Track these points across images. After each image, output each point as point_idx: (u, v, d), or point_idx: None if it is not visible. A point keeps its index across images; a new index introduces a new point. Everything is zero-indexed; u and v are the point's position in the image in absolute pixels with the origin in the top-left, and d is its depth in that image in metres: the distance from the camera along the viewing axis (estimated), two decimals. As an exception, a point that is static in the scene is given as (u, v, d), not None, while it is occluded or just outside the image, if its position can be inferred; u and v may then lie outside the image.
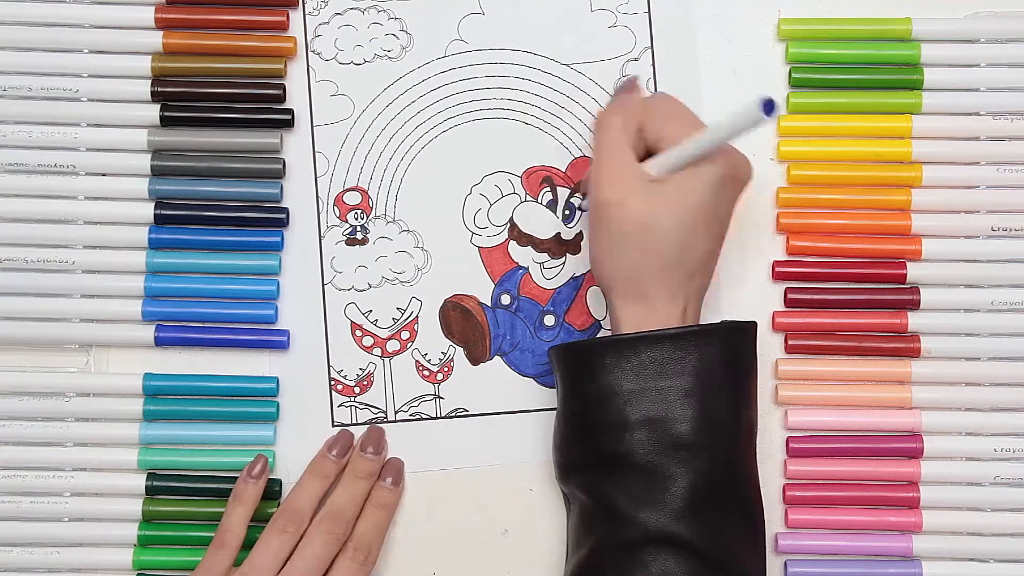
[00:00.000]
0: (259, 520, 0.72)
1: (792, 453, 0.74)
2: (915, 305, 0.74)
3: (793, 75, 0.76)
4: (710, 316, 0.74)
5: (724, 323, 0.67)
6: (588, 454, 0.66)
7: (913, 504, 0.73)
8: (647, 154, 0.68)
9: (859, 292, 0.75)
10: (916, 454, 0.73)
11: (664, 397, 0.64)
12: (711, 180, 0.65)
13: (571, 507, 0.70)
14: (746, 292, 0.76)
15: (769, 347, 0.75)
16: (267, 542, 0.68)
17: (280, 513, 0.70)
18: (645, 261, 0.65)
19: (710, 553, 0.63)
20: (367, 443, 0.73)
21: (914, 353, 0.74)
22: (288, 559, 0.68)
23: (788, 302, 0.75)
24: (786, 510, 0.74)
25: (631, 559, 0.63)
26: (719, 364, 0.65)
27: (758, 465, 0.67)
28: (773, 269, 0.75)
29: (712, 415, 0.64)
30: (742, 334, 0.67)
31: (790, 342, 0.75)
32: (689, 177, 0.65)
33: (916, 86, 0.75)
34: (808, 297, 0.75)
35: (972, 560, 0.73)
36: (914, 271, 0.74)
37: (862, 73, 0.76)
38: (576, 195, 0.76)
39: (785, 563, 0.73)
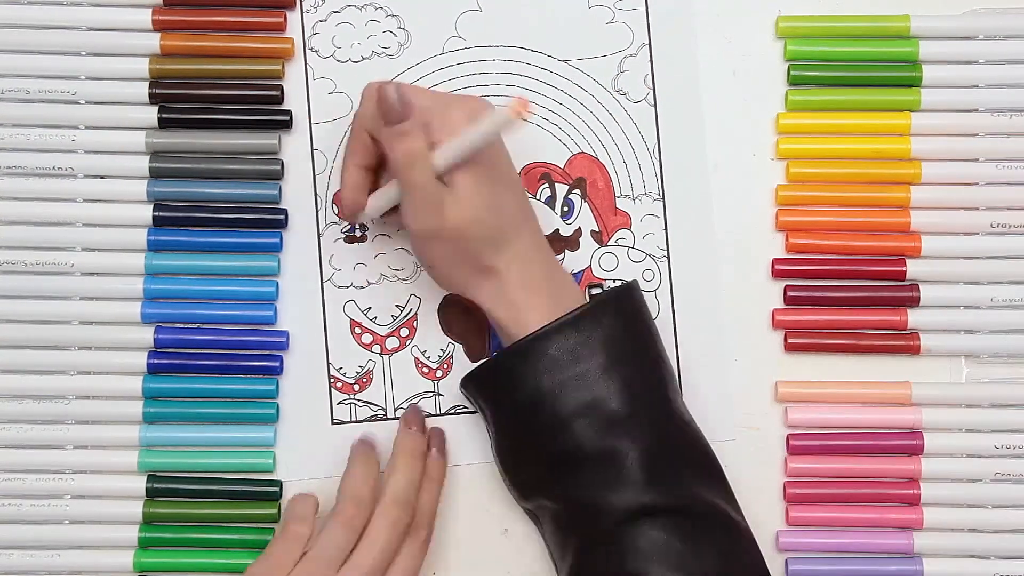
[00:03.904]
0: (259, 520, 0.73)
1: (792, 451, 0.74)
2: (915, 302, 0.74)
3: (792, 72, 0.76)
4: (711, 315, 0.75)
5: (609, 291, 0.69)
6: (539, 462, 0.67)
7: (914, 501, 0.73)
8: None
9: (859, 289, 0.75)
10: (916, 451, 0.73)
11: (585, 382, 0.64)
12: (481, 157, 0.65)
13: (542, 522, 0.70)
14: (746, 290, 0.75)
15: (769, 345, 0.75)
16: (333, 533, 0.65)
17: (344, 502, 0.67)
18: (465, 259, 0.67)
19: (682, 505, 0.64)
20: (411, 421, 0.72)
21: (914, 350, 0.74)
22: (354, 548, 0.66)
23: (788, 300, 0.75)
24: (787, 508, 0.74)
25: (617, 546, 0.63)
26: (622, 330, 0.66)
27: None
28: (772, 267, 0.75)
29: (634, 381, 0.65)
30: (630, 293, 0.68)
31: (790, 340, 0.75)
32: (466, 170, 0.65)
33: (915, 83, 0.75)
34: (808, 295, 0.75)
35: (973, 557, 0.73)
36: (913, 268, 0.74)
37: (861, 70, 0.75)
38: (574, 191, 0.76)
39: (786, 560, 0.73)
